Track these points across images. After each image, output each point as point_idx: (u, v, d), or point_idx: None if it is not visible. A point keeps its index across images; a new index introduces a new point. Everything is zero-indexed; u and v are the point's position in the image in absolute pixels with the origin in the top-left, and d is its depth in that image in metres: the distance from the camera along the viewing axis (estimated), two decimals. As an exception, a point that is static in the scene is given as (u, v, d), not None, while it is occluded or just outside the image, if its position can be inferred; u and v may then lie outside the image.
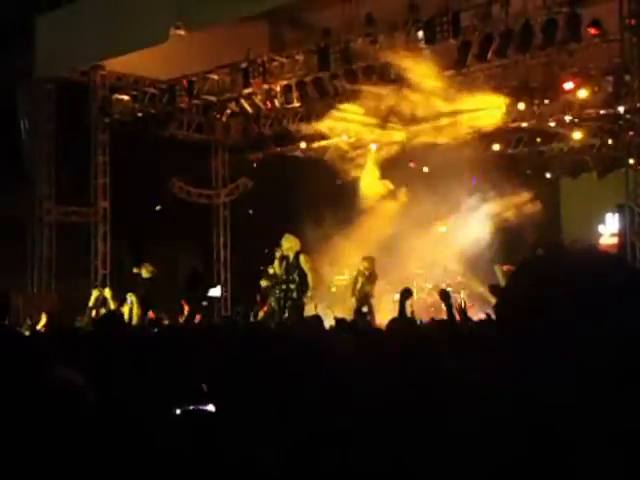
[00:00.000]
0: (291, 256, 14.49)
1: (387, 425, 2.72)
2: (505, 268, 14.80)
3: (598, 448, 1.26)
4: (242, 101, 17.39)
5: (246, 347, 4.55)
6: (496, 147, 19.24)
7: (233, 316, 17.10)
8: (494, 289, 10.46)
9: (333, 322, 8.70)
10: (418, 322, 8.83)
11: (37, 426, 2.63)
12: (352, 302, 15.14)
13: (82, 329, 12.27)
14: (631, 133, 12.98)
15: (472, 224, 19.55)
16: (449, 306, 8.76)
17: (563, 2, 12.98)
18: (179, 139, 19.84)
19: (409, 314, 9.82)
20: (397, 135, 17.72)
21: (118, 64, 17.88)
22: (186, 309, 15.09)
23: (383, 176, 19.01)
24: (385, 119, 17.02)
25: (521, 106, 16.24)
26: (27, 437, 2.58)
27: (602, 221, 21.26)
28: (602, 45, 14.08)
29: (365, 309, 14.02)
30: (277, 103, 16.94)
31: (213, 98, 17.67)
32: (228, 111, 18.13)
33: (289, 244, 14.53)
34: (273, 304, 14.85)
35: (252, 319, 14.16)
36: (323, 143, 19.08)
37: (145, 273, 16.27)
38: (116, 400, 3.34)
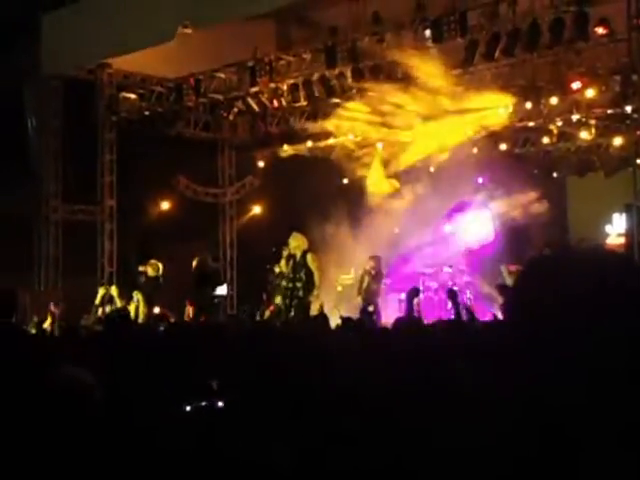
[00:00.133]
0: (298, 255, 14.51)
1: (394, 425, 2.72)
2: (511, 268, 14.79)
3: (609, 449, 1.25)
4: (249, 100, 17.40)
5: (252, 346, 4.55)
6: (503, 146, 19.21)
7: (239, 315, 17.10)
8: (501, 289, 10.45)
9: (339, 321, 8.70)
10: (425, 322, 8.81)
11: (44, 424, 2.63)
12: (358, 301, 15.14)
13: (88, 327, 12.32)
14: (638, 132, 12.95)
15: (478, 223, 19.52)
16: (456, 305, 8.75)
17: (571, 1, 12.95)
18: (186, 137, 19.85)
19: (416, 313, 9.81)
20: (403, 135, 17.70)
21: (125, 62, 17.88)
22: (190, 309, 15.12)
23: (389, 175, 18.99)
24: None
25: (528, 105, 16.22)
26: (34, 435, 2.58)
27: (609, 221, 21.21)
28: (610, 44, 14.05)
29: (371, 308, 14.01)
30: (284, 102, 16.94)
31: (220, 96, 17.67)
32: (235, 110, 18.13)
33: (297, 243, 14.55)
34: (279, 303, 14.86)
35: (258, 318, 14.16)
36: (330, 142, 19.08)
37: (151, 272, 16.30)
38: (124, 398, 3.34)
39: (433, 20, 14.02)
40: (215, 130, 20.52)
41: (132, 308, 15.59)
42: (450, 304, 11.84)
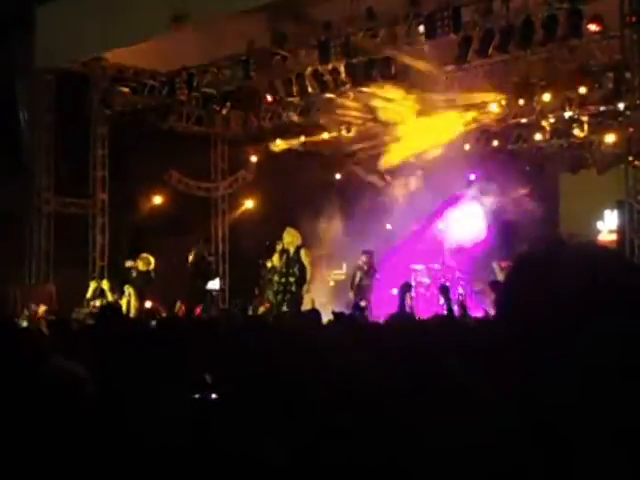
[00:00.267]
0: (292, 250, 14.52)
1: (386, 420, 2.72)
2: (503, 264, 14.82)
3: (601, 447, 1.26)
4: (242, 94, 17.37)
5: (244, 341, 4.55)
6: (495, 142, 19.24)
7: (231, 309, 17.10)
8: (494, 286, 10.46)
9: (331, 316, 8.70)
10: (417, 317, 8.82)
11: (36, 417, 2.62)
12: (350, 296, 15.16)
13: (80, 321, 12.30)
14: (631, 130, 12.96)
15: (470, 219, 19.54)
16: (448, 301, 8.77)
17: (564, -2, 12.97)
18: (179, 131, 19.80)
19: (408, 309, 9.83)
20: (396, 130, 17.71)
21: (118, 56, 17.82)
22: (181, 305, 15.10)
23: (382, 171, 19.01)
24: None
25: (521, 102, 16.24)
26: (27, 428, 2.57)
27: (601, 217, 21.24)
28: (603, 41, 14.08)
29: (363, 303, 14.02)
30: (277, 96, 16.91)
31: (213, 91, 17.64)
32: (228, 104, 18.09)
33: (291, 238, 14.56)
34: (271, 297, 14.86)
35: (250, 312, 14.16)
36: (322, 137, 19.07)
37: (142, 266, 16.27)
38: (116, 392, 3.34)
39: (427, 16, 14.00)
40: (208, 124, 20.48)
41: (124, 302, 15.58)
42: (442, 300, 11.85)
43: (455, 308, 8.84)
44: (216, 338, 5.33)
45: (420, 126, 17.10)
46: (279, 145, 19.84)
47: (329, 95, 16.60)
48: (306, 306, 13.73)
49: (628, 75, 13.04)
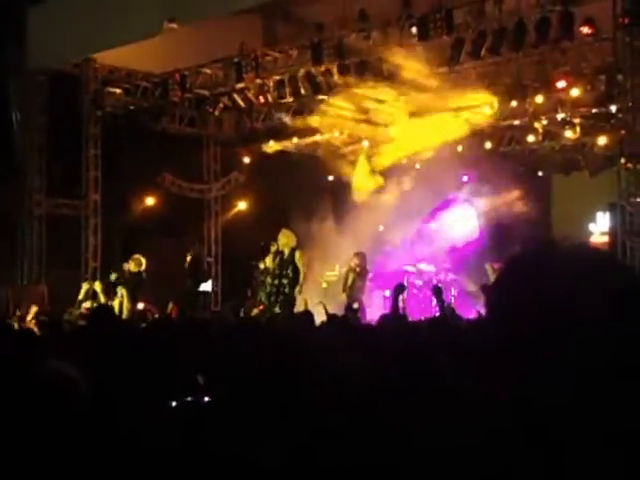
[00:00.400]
0: (286, 251, 14.52)
1: (379, 421, 2.73)
2: (496, 266, 14.82)
3: (593, 448, 1.26)
4: (235, 95, 17.37)
5: (236, 342, 4.55)
6: (488, 144, 19.26)
7: (223, 311, 17.08)
8: (486, 290, 10.46)
9: (324, 318, 8.70)
10: (410, 318, 8.83)
11: (27, 419, 2.62)
12: (343, 298, 15.14)
13: (72, 322, 12.28)
14: (623, 132, 13.00)
15: (463, 221, 19.57)
16: (441, 302, 8.78)
17: (556, 1, 12.99)
18: (171, 133, 19.79)
19: (401, 310, 9.84)
20: (388, 132, 17.71)
21: (110, 57, 17.80)
22: (172, 307, 15.07)
23: (374, 172, 18.99)
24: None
25: (514, 104, 16.26)
26: (17, 429, 2.57)
27: (593, 219, 21.30)
28: (595, 44, 14.11)
29: (356, 305, 14.02)
30: (270, 98, 16.91)
31: (206, 92, 17.63)
32: (221, 105, 18.08)
33: (286, 239, 14.56)
34: (263, 299, 14.85)
35: (242, 314, 14.14)
36: (315, 138, 19.07)
37: (134, 267, 16.24)
38: (108, 394, 3.33)
39: (419, 17, 14.03)
40: (200, 126, 20.48)
41: (116, 304, 15.56)
42: (435, 301, 11.86)
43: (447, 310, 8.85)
44: (208, 339, 5.32)
45: (413, 127, 17.10)
46: (272, 146, 19.84)
47: (322, 97, 16.59)
48: (299, 307, 13.72)
49: (620, 77, 13.08)
